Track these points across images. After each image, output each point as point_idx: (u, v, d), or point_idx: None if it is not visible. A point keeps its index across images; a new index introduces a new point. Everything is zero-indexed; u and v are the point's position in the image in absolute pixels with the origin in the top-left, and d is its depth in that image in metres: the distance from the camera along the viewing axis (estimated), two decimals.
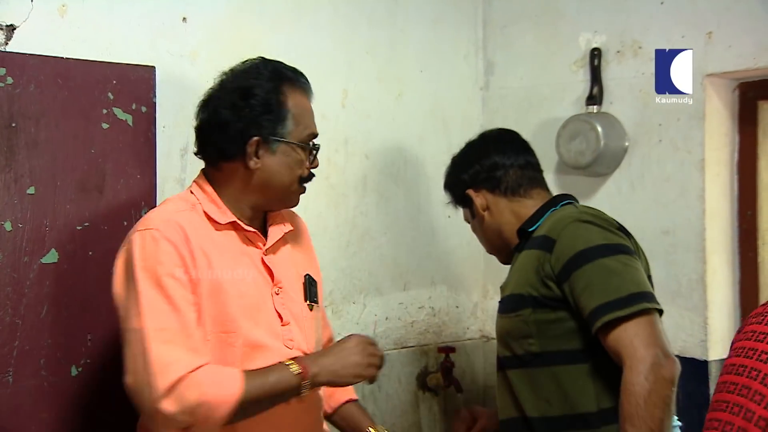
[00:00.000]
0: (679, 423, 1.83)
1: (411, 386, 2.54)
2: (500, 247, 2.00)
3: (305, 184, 1.72)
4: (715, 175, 2.29)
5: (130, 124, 1.94)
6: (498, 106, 2.73)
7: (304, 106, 1.69)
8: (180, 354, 1.50)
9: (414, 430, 2.55)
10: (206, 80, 2.09)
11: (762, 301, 2.31)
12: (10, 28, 1.80)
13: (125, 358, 1.55)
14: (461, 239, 2.72)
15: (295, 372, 1.56)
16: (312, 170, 1.72)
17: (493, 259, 2.73)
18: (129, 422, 1.70)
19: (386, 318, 2.53)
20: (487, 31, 2.76)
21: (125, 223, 1.92)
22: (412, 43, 2.59)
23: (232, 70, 1.70)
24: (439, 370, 2.57)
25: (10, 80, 1.76)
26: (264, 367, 1.57)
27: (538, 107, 2.62)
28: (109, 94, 1.90)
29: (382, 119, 2.52)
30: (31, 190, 1.80)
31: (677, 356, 2.28)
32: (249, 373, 1.54)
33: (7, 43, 1.79)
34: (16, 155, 1.78)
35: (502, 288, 1.94)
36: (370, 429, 1.87)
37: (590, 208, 1.89)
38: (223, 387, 1.51)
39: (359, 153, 2.47)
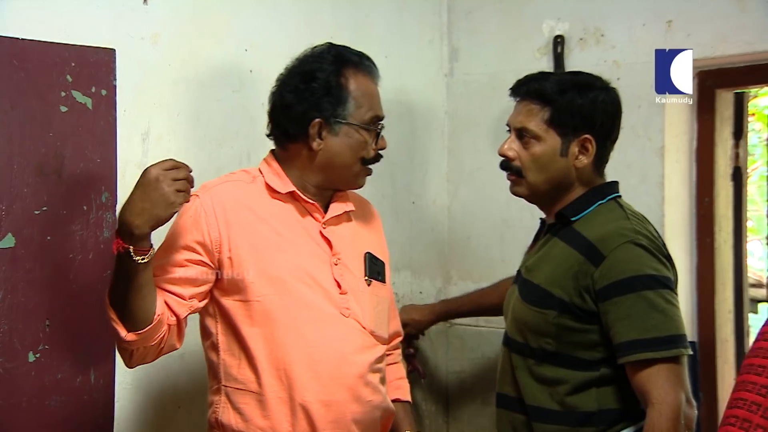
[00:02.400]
0: None
1: None
2: (547, 192, 1.83)
3: (371, 166, 1.78)
4: (674, 162, 2.33)
5: (90, 107, 1.91)
6: (462, 92, 2.74)
7: (366, 88, 1.75)
8: None
9: None
10: (167, 63, 2.09)
11: (718, 285, 2.36)
12: None
13: None
14: (425, 225, 2.74)
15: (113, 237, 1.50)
16: (380, 152, 1.78)
17: (457, 244, 2.76)
18: (87, 409, 1.69)
19: None
20: (451, 16, 2.76)
21: (84, 208, 1.90)
22: (376, 28, 2.58)
23: (298, 57, 1.77)
24: (403, 356, 2.58)
25: None
26: None
27: (502, 94, 2.57)
28: (68, 77, 1.87)
29: None
30: None
31: None
32: None
33: None
34: None
35: (528, 268, 1.85)
36: None
37: (637, 219, 1.81)
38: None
39: None
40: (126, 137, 2.00)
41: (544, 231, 1.88)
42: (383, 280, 1.86)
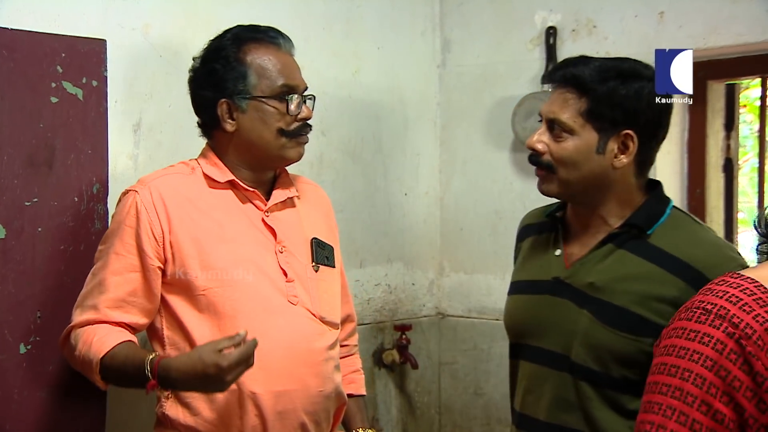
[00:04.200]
0: None
1: (367, 363, 2.56)
2: (581, 191, 1.59)
3: (300, 136, 1.71)
4: (666, 153, 2.33)
5: (81, 98, 1.90)
6: (455, 83, 2.74)
7: (269, 59, 1.68)
8: (88, 304, 1.66)
9: (370, 407, 2.57)
10: (158, 54, 2.08)
11: None
12: None
13: None
14: (417, 217, 2.74)
15: (147, 365, 1.53)
16: (307, 121, 1.72)
17: (449, 236, 2.76)
18: (78, 400, 1.68)
19: None
20: (444, 7, 2.76)
21: (76, 200, 1.89)
22: (369, 19, 2.57)
23: (204, 46, 1.74)
24: (395, 347, 2.59)
25: None
26: (136, 348, 1.63)
27: (494, 85, 2.63)
28: (58, 68, 1.86)
29: (338, 96, 2.51)
30: None
31: None
32: (120, 346, 1.60)
33: None
34: None
35: (595, 286, 1.56)
36: (359, 431, 1.87)
37: (714, 232, 1.63)
38: (91, 349, 1.61)
39: (315, 130, 2.39)
40: (117, 128, 1.99)
41: (602, 240, 1.59)
42: (332, 265, 1.80)
